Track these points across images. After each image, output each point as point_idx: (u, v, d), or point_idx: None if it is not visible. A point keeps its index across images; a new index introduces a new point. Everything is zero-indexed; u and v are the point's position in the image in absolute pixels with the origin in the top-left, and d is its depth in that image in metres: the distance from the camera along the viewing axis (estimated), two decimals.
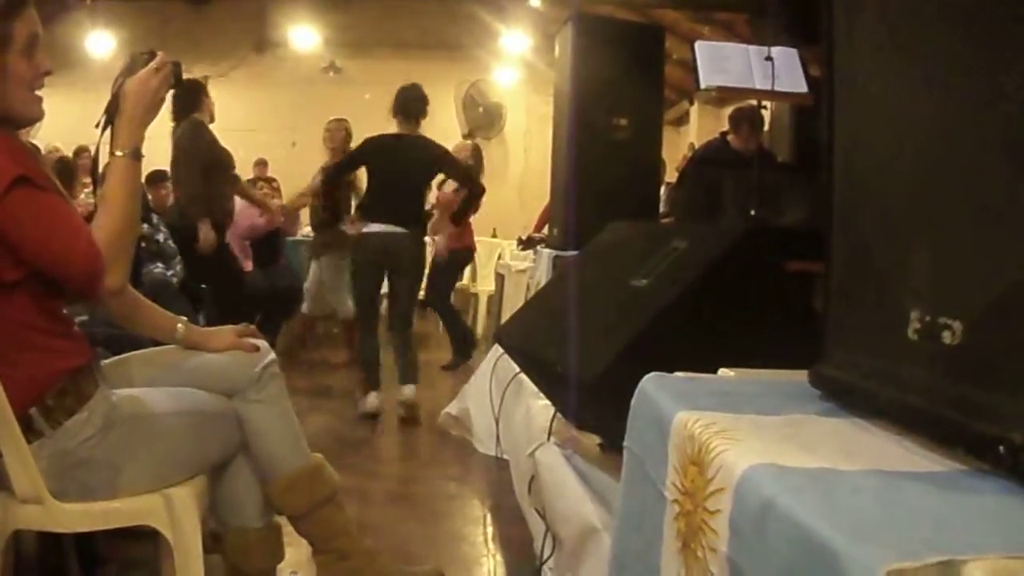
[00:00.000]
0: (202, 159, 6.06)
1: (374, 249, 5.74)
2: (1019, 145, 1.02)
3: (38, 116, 2.13)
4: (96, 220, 2.13)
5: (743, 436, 1.20)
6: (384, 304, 6.52)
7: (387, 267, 5.86)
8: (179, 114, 6.07)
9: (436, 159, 6.02)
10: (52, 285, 2.08)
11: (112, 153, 2.18)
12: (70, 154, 8.66)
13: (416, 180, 5.97)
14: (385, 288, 6.12)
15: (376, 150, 5.88)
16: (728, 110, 6.62)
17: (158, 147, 2.24)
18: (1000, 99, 1.04)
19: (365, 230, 5.76)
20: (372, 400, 5.77)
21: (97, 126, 2.22)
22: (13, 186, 1.91)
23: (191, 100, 6.05)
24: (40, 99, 2.12)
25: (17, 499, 2.04)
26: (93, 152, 2.28)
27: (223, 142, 6.26)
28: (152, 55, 2.25)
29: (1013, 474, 0.99)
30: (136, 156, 2.19)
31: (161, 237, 5.76)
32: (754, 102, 5.61)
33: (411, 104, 5.92)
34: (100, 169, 2.23)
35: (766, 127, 6.28)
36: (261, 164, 10.20)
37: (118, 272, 2.12)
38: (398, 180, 5.79)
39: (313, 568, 2.64)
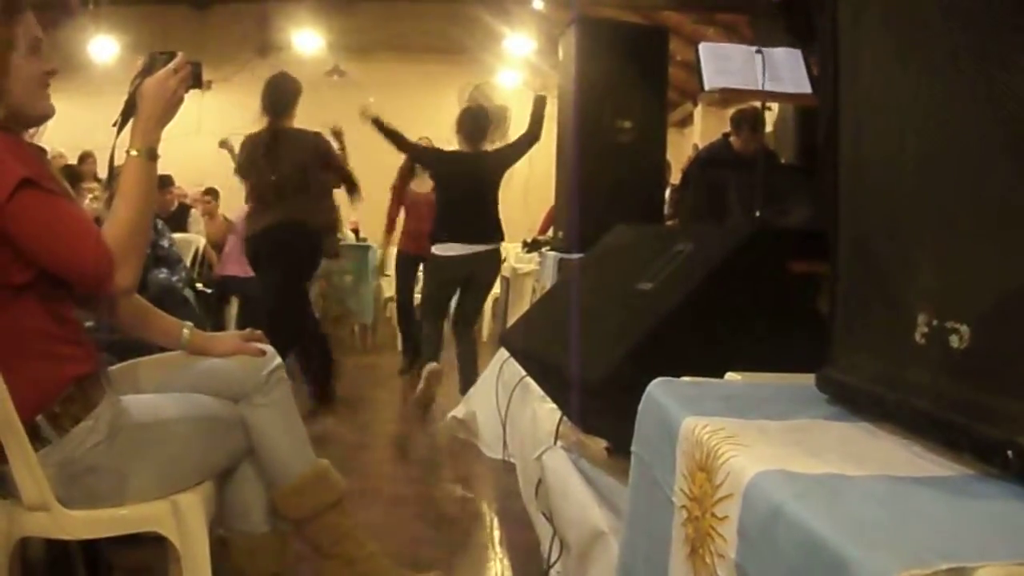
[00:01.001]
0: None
1: (453, 270, 6.00)
2: None
3: (49, 113, 2.15)
4: (108, 218, 2.14)
5: (751, 442, 1.20)
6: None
7: (464, 283, 6.10)
8: (277, 113, 5.81)
9: (497, 165, 6.14)
10: (61, 288, 2.08)
11: (127, 152, 2.18)
12: (74, 159, 8.69)
13: (485, 193, 6.07)
14: None
15: (440, 166, 6.18)
16: (732, 111, 6.62)
17: (167, 149, 2.24)
18: (1008, 99, 1.04)
19: (444, 252, 5.95)
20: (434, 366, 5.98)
21: (114, 125, 2.23)
22: (19, 188, 1.92)
23: (289, 101, 5.85)
24: (49, 96, 2.14)
25: (24, 506, 2.04)
26: (109, 152, 2.28)
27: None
28: (172, 55, 2.24)
29: (1022, 479, 0.99)
30: (152, 156, 2.19)
31: (166, 243, 5.75)
32: (757, 104, 5.62)
33: (477, 123, 6.12)
34: (116, 168, 2.23)
35: (770, 128, 6.28)
36: None
37: (129, 270, 2.11)
38: (468, 197, 6.00)
39: (319, 573, 2.65)
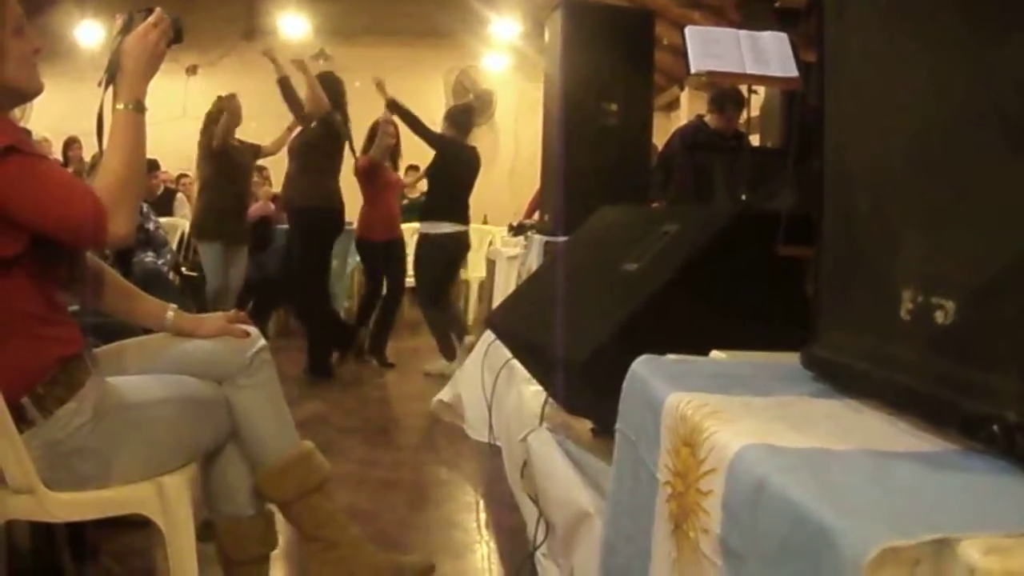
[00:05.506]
0: None
1: (453, 247, 6.94)
2: (1011, 122, 1.01)
3: (40, 88, 2.16)
4: (99, 171, 2.14)
5: (735, 417, 1.20)
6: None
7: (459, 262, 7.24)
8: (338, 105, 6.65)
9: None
10: (49, 267, 2.08)
11: (114, 108, 2.18)
12: (59, 144, 8.67)
13: (472, 182, 7.08)
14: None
15: (452, 151, 6.88)
16: (712, 91, 6.63)
17: (152, 134, 2.23)
18: (993, 76, 1.04)
19: (443, 231, 6.79)
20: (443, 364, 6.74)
21: (99, 84, 2.22)
22: (4, 155, 1.92)
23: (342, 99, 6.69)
24: (38, 73, 2.15)
25: (9, 489, 2.03)
26: (97, 112, 2.27)
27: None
28: (150, 11, 2.25)
29: (1007, 453, 0.99)
30: (139, 109, 2.19)
31: (151, 226, 5.73)
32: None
33: (461, 117, 7.07)
34: (105, 129, 2.23)
35: (756, 112, 6.28)
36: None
37: (122, 220, 2.10)
38: (465, 183, 6.97)
39: (303, 556, 2.64)
